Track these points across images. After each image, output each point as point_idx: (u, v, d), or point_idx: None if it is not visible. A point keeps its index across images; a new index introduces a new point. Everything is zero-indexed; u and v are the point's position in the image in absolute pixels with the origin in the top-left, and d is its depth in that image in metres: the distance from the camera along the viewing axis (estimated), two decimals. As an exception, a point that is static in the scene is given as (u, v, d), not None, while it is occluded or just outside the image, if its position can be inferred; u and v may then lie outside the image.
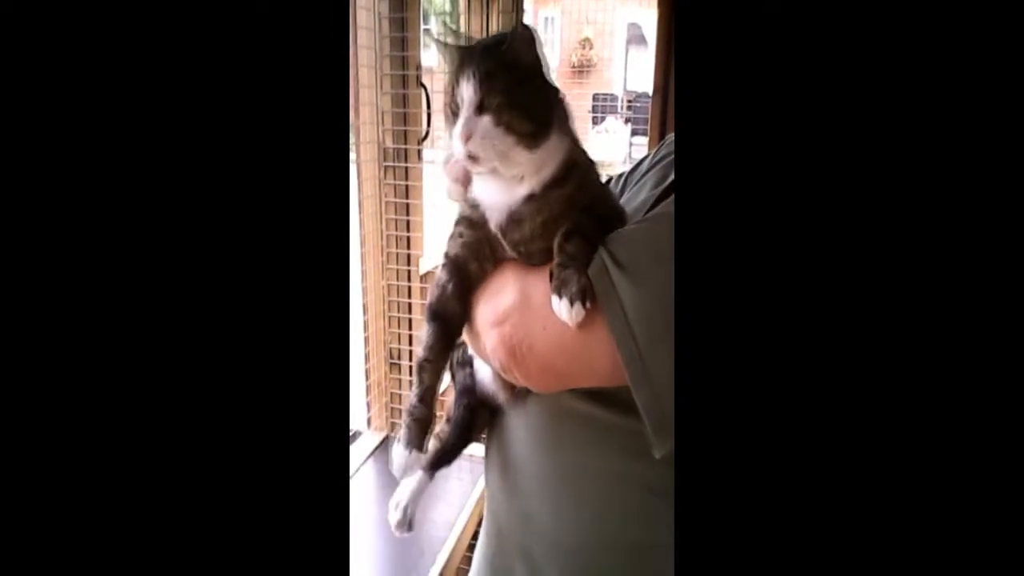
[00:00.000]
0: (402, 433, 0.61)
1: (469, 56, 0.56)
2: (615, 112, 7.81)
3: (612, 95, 8.27)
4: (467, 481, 1.39)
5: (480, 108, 0.54)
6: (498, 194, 0.58)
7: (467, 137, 0.54)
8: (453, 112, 0.56)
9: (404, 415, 0.62)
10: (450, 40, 0.60)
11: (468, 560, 1.36)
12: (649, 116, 2.00)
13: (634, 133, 7.13)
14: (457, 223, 0.62)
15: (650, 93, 2.02)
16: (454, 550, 1.24)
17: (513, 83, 0.55)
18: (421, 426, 0.61)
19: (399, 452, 0.60)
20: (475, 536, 1.34)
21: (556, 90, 0.59)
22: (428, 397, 0.61)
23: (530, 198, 0.57)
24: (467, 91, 0.54)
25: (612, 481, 0.61)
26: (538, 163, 0.57)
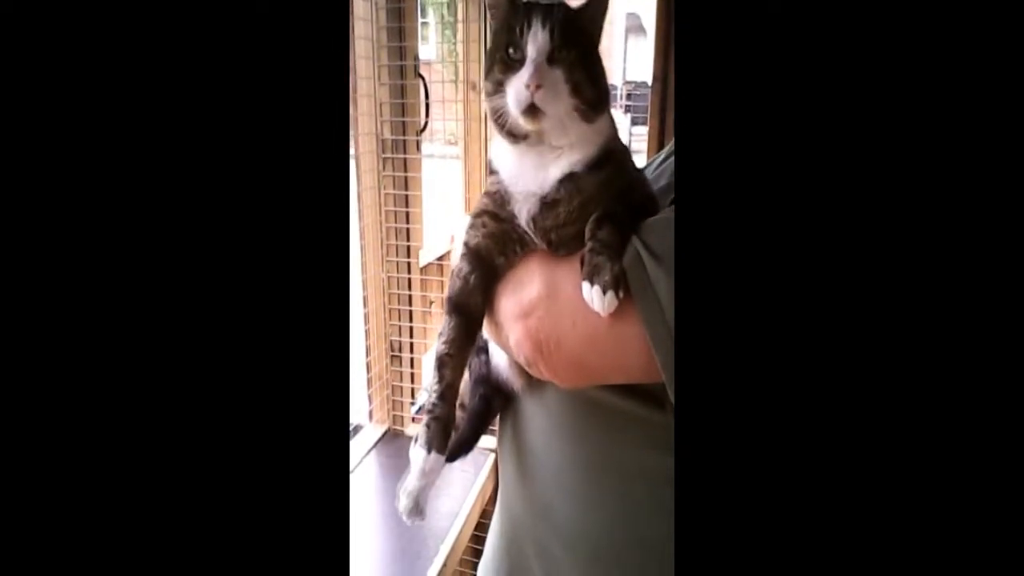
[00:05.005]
0: (421, 433, 0.58)
1: (538, 7, 0.53)
2: (614, 102, 7.80)
3: (611, 85, 8.24)
4: (471, 471, 1.39)
5: (552, 60, 0.51)
6: (531, 175, 0.55)
7: (538, 85, 0.50)
8: (506, 63, 0.53)
9: (425, 415, 0.59)
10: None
11: (472, 551, 1.37)
12: (649, 105, 1.98)
13: (634, 123, 7.11)
14: (479, 213, 0.59)
15: (649, 82, 2.01)
16: (457, 540, 1.24)
17: (586, 45, 0.53)
18: (442, 426, 0.58)
19: (419, 455, 0.58)
20: (479, 527, 1.35)
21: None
22: (449, 394, 0.59)
23: (566, 179, 0.54)
24: (540, 39, 0.51)
25: (637, 474, 0.58)
26: (585, 139, 0.54)
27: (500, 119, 0.54)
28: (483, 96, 0.56)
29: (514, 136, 0.55)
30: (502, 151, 0.58)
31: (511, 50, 0.53)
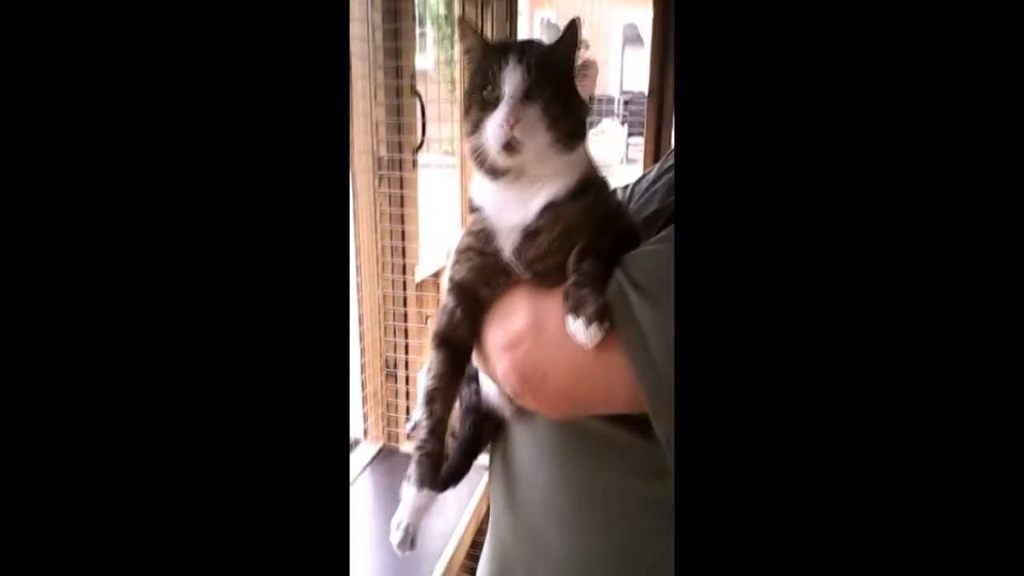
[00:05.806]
0: (412, 470, 0.59)
1: (513, 46, 0.55)
2: (611, 113, 7.82)
3: (608, 96, 8.27)
4: (464, 491, 1.38)
5: (528, 96, 0.53)
6: (514, 208, 0.56)
7: (515, 122, 0.51)
8: (484, 102, 0.54)
9: (414, 451, 0.59)
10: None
11: (466, 569, 1.36)
12: (645, 116, 2.00)
13: (631, 134, 7.14)
14: (463, 249, 0.60)
15: (646, 93, 2.02)
16: (451, 561, 1.23)
17: (561, 79, 0.54)
18: (433, 461, 0.58)
19: (410, 492, 0.58)
20: (473, 546, 1.34)
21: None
22: (439, 430, 0.59)
23: (547, 209, 0.55)
24: (515, 77, 0.52)
25: (622, 499, 0.59)
26: (564, 169, 0.55)
27: (479, 157, 0.55)
28: (462, 135, 0.57)
29: (494, 173, 0.56)
30: (483, 188, 0.59)
31: (488, 89, 0.54)
